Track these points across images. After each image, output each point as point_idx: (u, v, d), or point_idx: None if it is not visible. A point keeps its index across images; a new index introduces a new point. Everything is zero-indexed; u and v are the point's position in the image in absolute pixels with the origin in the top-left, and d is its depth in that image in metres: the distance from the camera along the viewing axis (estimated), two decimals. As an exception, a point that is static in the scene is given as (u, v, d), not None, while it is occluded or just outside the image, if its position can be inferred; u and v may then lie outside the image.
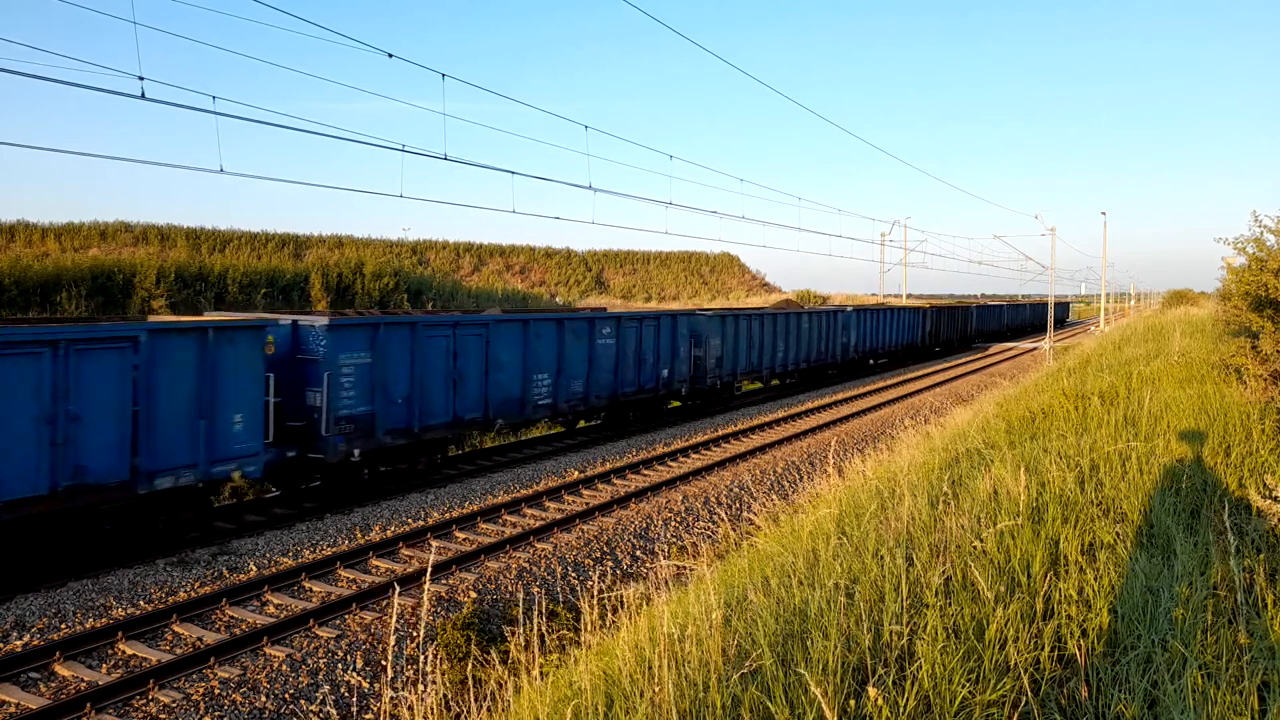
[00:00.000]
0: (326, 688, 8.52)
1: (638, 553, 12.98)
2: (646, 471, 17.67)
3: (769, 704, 3.46)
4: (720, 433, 21.94)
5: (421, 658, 5.85)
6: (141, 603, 10.13)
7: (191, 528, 12.16)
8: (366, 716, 8.15)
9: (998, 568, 4.84)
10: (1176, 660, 3.73)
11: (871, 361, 40.56)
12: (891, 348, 42.14)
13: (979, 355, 50.11)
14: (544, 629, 6.03)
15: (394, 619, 9.15)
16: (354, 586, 10.95)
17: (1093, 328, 61.59)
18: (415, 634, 9.89)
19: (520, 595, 11.01)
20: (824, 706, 3.06)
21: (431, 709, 4.30)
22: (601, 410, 21.52)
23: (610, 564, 12.50)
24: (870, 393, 30.97)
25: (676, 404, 25.35)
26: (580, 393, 19.76)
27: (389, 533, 13.00)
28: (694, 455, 19.39)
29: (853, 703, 3.49)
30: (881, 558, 5.07)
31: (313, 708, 8.16)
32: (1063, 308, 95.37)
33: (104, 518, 10.90)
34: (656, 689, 3.66)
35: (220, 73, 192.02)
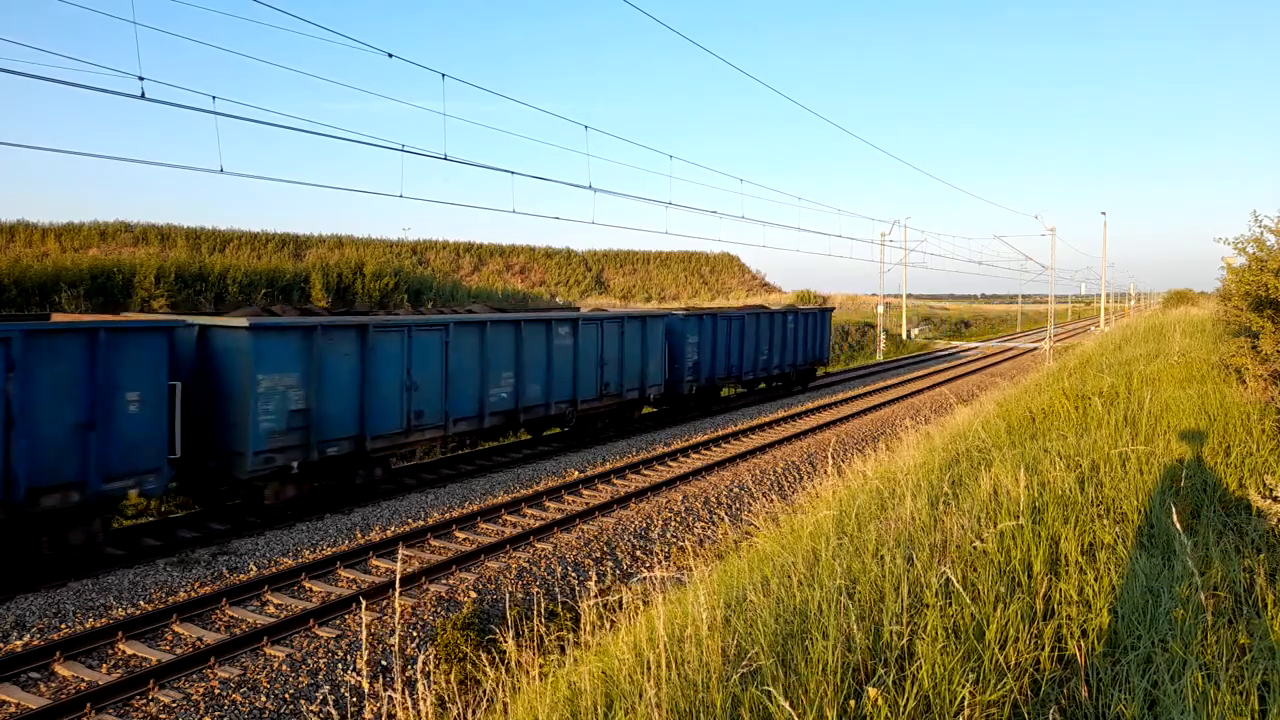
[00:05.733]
0: (326, 688, 8.52)
1: (637, 553, 12.98)
2: (646, 471, 17.67)
3: (768, 704, 3.46)
4: (719, 433, 21.93)
5: (417, 659, 5.85)
6: (141, 603, 10.13)
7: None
8: (366, 717, 8.15)
9: (998, 568, 4.84)
10: (1176, 660, 3.73)
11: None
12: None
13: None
14: (543, 629, 6.03)
15: (364, 631, 9.13)
16: (354, 586, 10.95)
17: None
18: (416, 635, 9.90)
19: (520, 595, 11.01)
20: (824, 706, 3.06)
21: (425, 713, 4.30)
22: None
23: (610, 564, 12.50)
24: (870, 393, 30.95)
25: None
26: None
27: (389, 533, 13.00)
28: (694, 455, 19.40)
29: (853, 703, 3.49)
30: (881, 558, 5.06)
31: (313, 708, 8.16)
32: (809, 325, 30.99)
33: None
34: (656, 689, 3.66)
35: (220, 73, 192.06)
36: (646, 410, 24.00)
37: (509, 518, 14.02)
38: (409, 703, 4.40)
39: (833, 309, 36.14)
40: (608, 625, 5.66)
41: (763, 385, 29.88)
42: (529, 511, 14.43)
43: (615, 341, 20.66)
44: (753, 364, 27.23)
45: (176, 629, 9.46)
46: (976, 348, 55.92)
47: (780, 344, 28.70)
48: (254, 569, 11.34)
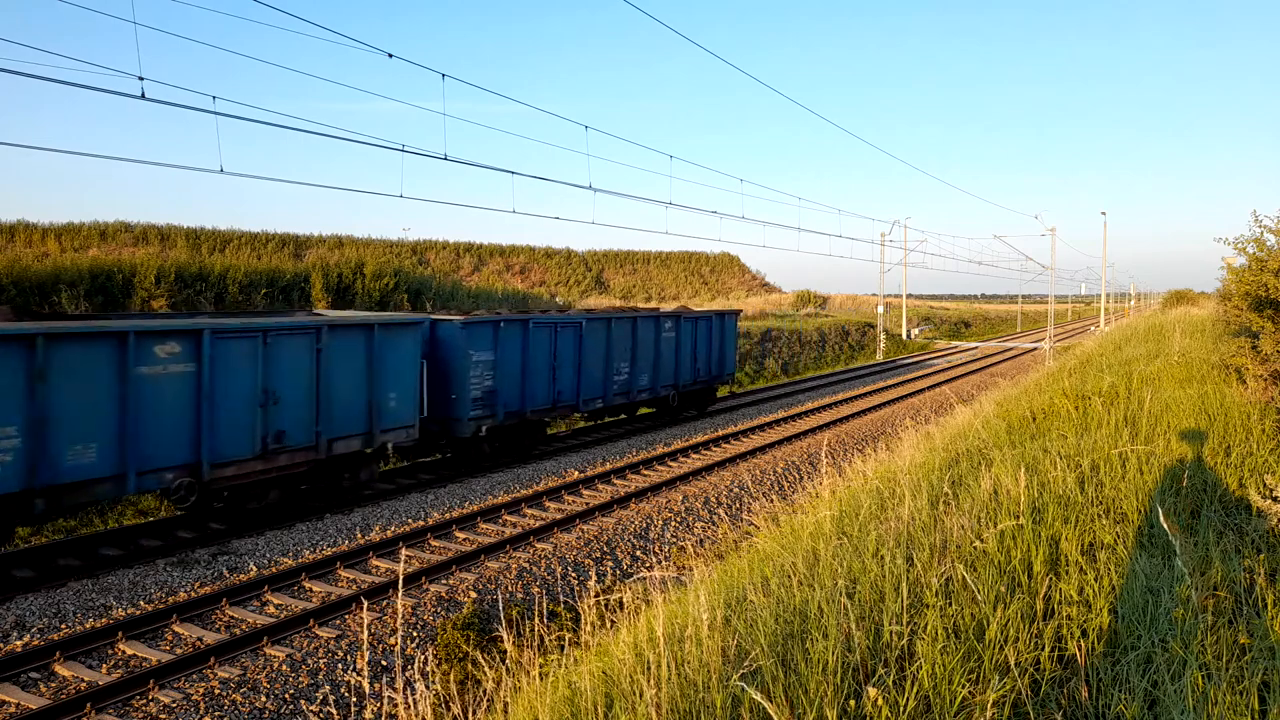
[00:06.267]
0: (326, 688, 8.52)
1: (638, 553, 12.98)
2: (647, 471, 17.67)
3: (768, 704, 3.46)
4: (720, 433, 21.93)
5: (416, 659, 5.85)
6: (141, 603, 10.14)
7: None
8: (366, 717, 8.15)
9: (998, 568, 4.83)
10: (1176, 660, 3.73)
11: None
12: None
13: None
14: (544, 629, 6.03)
15: (365, 631, 9.13)
16: (354, 586, 10.95)
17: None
18: (417, 635, 9.89)
19: (520, 595, 11.01)
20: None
21: (424, 713, 4.30)
22: None
23: (610, 564, 12.50)
24: (870, 393, 30.95)
25: None
26: None
27: (389, 533, 13.00)
28: (694, 455, 19.39)
29: (853, 703, 3.49)
30: (882, 558, 5.06)
31: (313, 708, 8.16)
32: (702, 334, 24.48)
33: None
34: (656, 689, 3.66)
35: (220, 73, 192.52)
36: (430, 457, 17.55)
37: (509, 518, 14.03)
38: (410, 702, 4.40)
39: (739, 312, 28.93)
40: (608, 625, 5.66)
41: (648, 409, 23.77)
42: (529, 512, 14.43)
43: (304, 365, 12.93)
44: (602, 387, 20.13)
45: (176, 629, 9.46)
46: (976, 348, 55.92)
47: (653, 359, 21.96)
48: (254, 569, 11.34)
